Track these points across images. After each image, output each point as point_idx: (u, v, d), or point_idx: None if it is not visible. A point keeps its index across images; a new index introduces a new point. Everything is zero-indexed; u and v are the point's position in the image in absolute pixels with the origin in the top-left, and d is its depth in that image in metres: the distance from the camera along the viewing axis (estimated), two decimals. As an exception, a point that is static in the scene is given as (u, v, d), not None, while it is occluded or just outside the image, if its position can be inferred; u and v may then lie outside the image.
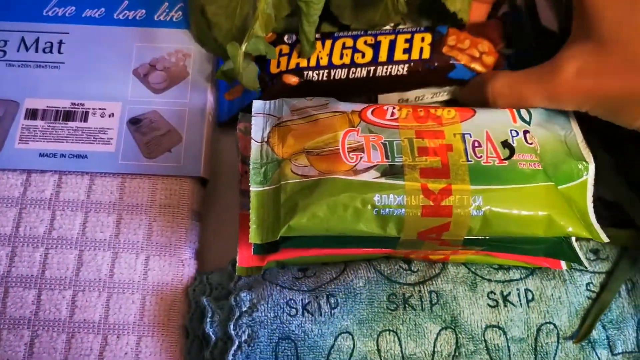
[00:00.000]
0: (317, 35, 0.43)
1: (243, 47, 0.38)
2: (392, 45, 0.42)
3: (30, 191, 0.41)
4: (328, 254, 0.38)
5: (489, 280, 0.39)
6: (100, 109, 0.43)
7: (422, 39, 0.43)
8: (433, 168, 0.35)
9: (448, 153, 0.35)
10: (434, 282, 0.39)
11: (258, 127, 0.37)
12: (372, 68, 0.42)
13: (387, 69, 0.42)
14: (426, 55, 0.42)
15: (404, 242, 0.35)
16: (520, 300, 0.39)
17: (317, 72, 0.42)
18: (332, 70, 0.42)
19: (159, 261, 0.40)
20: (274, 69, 0.42)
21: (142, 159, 0.42)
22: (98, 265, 0.40)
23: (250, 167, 0.36)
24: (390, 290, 0.38)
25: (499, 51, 0.43)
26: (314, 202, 0.34)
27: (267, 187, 0.35)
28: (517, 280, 0.39)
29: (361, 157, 0.35)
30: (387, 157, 0.35)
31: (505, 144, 0.36)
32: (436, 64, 0.42)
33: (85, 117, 0.43)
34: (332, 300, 0.37)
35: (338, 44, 0.43)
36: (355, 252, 0.38)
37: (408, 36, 0.43)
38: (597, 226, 0.36)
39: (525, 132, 0.37)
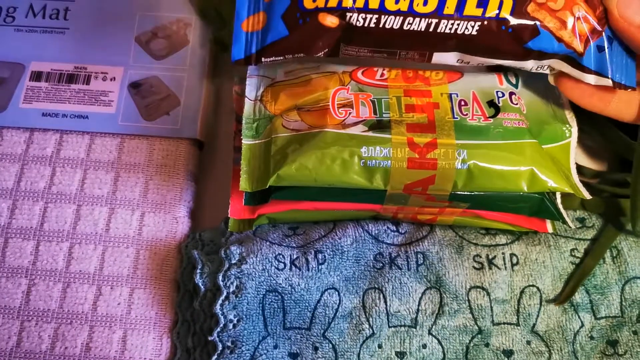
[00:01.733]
0: None
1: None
2: None
3: (33, 148, 0.42)
4: (318, 209, 0.39)
5: (476, 244, 0.40)
6: (102, 72, 0.44)
7: None
8: (419, 123, 0.36)
9: (435, 110, 0.36)
10: (420, 243, 0.39)
11: (252, 87, 0.39)
12: (435, 21, 0.33)
13: (452, 24, 0.33)
14: (506, 11, 0.33)
15: (390, 196, 0.36)
16: (505, 264, 0.39)
17: (363, 15, 0.33)
18: (382, 17, 0.33)
19: (154, 218, 0.41)
20: (308, 3, 0.33)
21: (141, 121, 0.43)
22: (95, 219, 0.41)
23: (243, 122, 0.37)
24: (376, 250, 0.39)
25: (598, 16, 0.34)
26: (303, 153, 0.35)
27: (259, 141, 0.36)
28: (503, 245, 0.40)
29: (350, 113, 0.36)
30: (375, 113, 0.36)
31: (491, 103, 0.37)
32: (516, 26, 0.33)
33: (87, 80, 0.44)
34: (319, 256, 0.38)
35: None
36: (345, 207, 0.38)
37: None
38: (579, 184, 0.37)
39: (511, 93, 0.38)
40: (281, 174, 0.34)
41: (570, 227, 0.39)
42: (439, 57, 0.35)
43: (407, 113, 0.36)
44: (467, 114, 0.36)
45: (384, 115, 0.36)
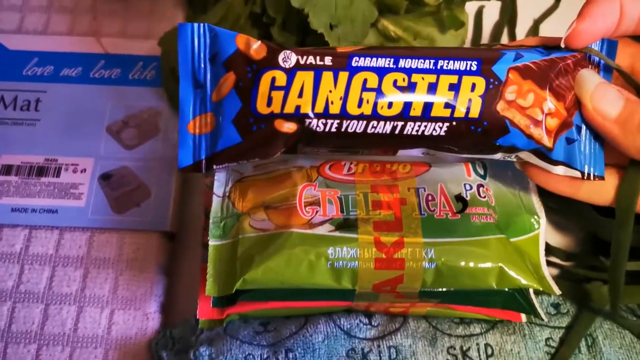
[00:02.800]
0: (328, 61, 0.31)
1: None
2: (431, 92, 0.31)
3: (1, 245, 0.42)
4: (288, 307, 0.38)
5: (449, 335, 0.39)
6: (73, 164, 0.44)
7: (473, 86, 0.31)
8: (386, 221, 0.35)
9: (402, 207, 0.36)
10: (393, 336, 0.39)
11: (220, 182, 0.38)
12: (400, 124, 0.31)
13: (419, 126, 0.32)
14: (475, 113, 0.31)
15: (360, 295, 0.36)
16: (480, 356, 0.39)
17: (323, 120, 0.31)
18: (344, 121, 0.31)
19: (124, 315, 0.40)
20: (262, 108, 0.31)
21: (111, 214, 0.43)
22: (63, 319, 0.40)
23: (210, 221, 0.37)
24: (349, 345, 0.39)
25: (567, 108, 0.33)
26: (269, 256, 0.34)
27: (226, 241, 0.36)
28: (477, 334, 0.39)
29: (317, 211, 0.36)
30: (342, 211, 0.36)
31: (459, 197, 0.37)
32: (485, 125, 0.32)
33: (58, 172, 0.44)
34: (290, 355, 0.38)
35: (357, 81, 0.31)
36: (316, 304, 0.38)
37: (454, 79, 0.31)
38: (549, 279, 0.36)
39: (479, 185, 0.38)
40: (247, 279, 0.34)
41: (543, 319, 0.38)
42: (404, 153, 0.34)
43: (374, 210, 0.36)
44: (434, 210, 0.36)
45: (351, 213, 0.36)
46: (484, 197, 0.37)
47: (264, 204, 0.37)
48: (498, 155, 0.34)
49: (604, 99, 0.32)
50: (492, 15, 0.53)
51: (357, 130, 0.32)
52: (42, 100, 0.46)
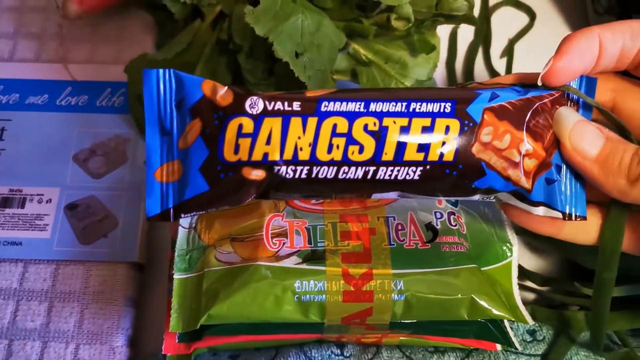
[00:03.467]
0: (297, 106, 0.30)
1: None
2: (403, 135, 0.30)
3: (-36, 279, 0.41)
4: (257, 340, 0.37)
5: (424, 364, 0.38)
6: (38, 194, 0.43)
7: (447, 129, 0.30)
8: (355, 252, 0.35)
9: (371, 237, 0.35)
10: (367, 367, 0.38)
11: (186, 213, 0.38)
12: (372, 169, 0.30)
13: (392, 171, 0.30)
14: (449, 156, 0.30)
15: (329, 327, 0.35)
16: (455, 384, 0.38)
17: (293, 167, 0.30)
18: (314, 168, 0.30)
19: (90, 350, 0.39)
20: (229, 155, 0.30)
21: (77, 245, 0.42)
22: (27, 355, 0.39)
23: (175, 254, 0.36)
24: (321, 377, 0.38)
25: (546, 148, 0.31)
26: (235, 290, 0.33)
27: (191, 275, 0.35)
28: (452, 363, 0.38)
29: (284, 243, 0.35)
30: (309, 242, 0.35)
31: (429, 226, 0.36)
32: (460, 168, 0.30)
33: (22, 203, 0.43)
34: (261, 388, 0.37)
35: (326, 127, 0.30)
36: (284, 337, 0.37)
37: (427, 122, 0.30)
38: (522, 308, 0.36)
39: (450, 213, 0.37)
40: (212, 314, 0.33)
41: (517, 349, 0.38)
42: (378, 196, 0.32)
43: (342, 241, 0.35)
44: (404, 240, 0.35)
45: (318, 244, 0.35)
46: (455, 225, 0.37)
47: (231, 235, 0.36)
48: (476, 197, 0.32)
49: (583, 137, 0.31)
50: (466, 35, 0.53)
51: (328, 176, 0.30)
52: (7, 129, 0.45)
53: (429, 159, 0.30)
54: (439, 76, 0.48)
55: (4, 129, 0.45)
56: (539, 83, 0.32)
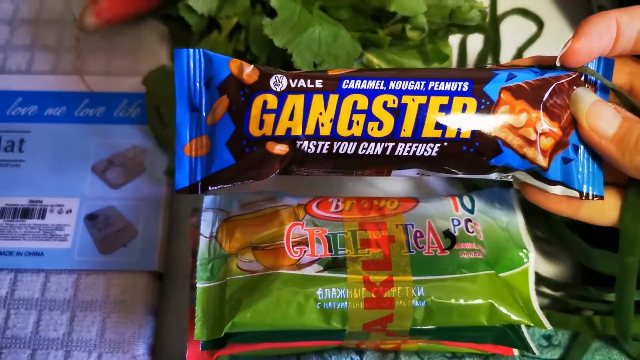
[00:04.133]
0: (319, 84, 0.31)
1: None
2: (421, 114, 0.31)
3: (-14, 290, 0.42)
4: (278, 348, 0.38)
5: (442, 369, 0.39)
6: (58, 205, 0.44)
7: (464, 107, 0.31)
8: (375, 260, 0.35)
9: (390, 244, 0.36)
10: (386, 373, 0.39)
11: (207, 222, 0.38)
12: (391, 145, 0.31)
13: (410, 147, 0.31)
14: (466, 133, 0.31)
15: (350, 334, 0.35)
16: (473, 389, 0.38)
17: (315, 142, 0.31)
18: (335, 143, 0.31)
19: (112, 358, 0.40)
20: (254, 130, 0.31)
21: (97, 255, 0.42)
22: (50, 364, 0.40)
23: (198, 263, 0.36)
24: (341, 383, 0.38)
25: (563, 127, 0.32)
26: (258, 299, 0.34)
27: (213, 283, 0.36)
28: (470, 368, 0.39)
29: (305, 251, 0.36)
30: (330, 250, 0.36)
31: (447, 233, 0.37)
32: (477, 146, 0.31)
33: (42, 214, 0.43)
34: (282, 395, 0.37)
35: (347, 104, 0.31)
36: (307, 344, 0.38)
37: (445, 100, 0.31)
38: (540, 313, 0.36)
39: (467, 220, 0.38)
40: (236, 322, 0.34)
41: (535, 354, 0.38)
42: (398, 173, 0.34)
43: (362, 249, 0.36)
44: (422, 247, 0.36)
45: (339, 252, 0.36)
46: (472, 232, 0.37)
47: (252, 244, 0.37)
48: (493, 175, 0.34)
49: (600, 117, 0.31)
50: (476, 44, 0.53)
51: (348, 152, 0.32)
52: (26, 141, 0.46)
53: (447, 135, 0.31)
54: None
55: (23, 140, 0.46)
56: (557, 64, 0.33)
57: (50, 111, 0.47)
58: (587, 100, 0.32)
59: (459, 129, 0.31)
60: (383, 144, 0.31)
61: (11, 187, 0.44)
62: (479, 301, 0.34)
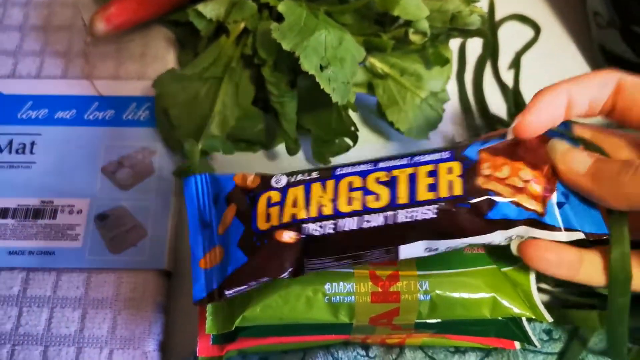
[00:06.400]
0: (315, 175, 0.34)
1: (199, 145, 0.41)
2: (412, 181, 0.33)
3: (-1, 288, 0.42)
4: (286, 342, 0.39)
5: (446, 364, 0.40)
6: (68, 205, 0.45)
7: (450, 170, 0.33)
8: (381, 256, 0.36)
9: (395, 241, 0.37)
10: (391, 367, 0.40)
11: (217, 220, 0.39)
12: (391, 214, 0.33)
13: (409, 212, 0.33)
14: (458, 190, 0.33)
15: (357, 328, 0.36)
16: (476, 383, 0.39)
17: (319, 224, 0.33)
18: (339, 221, 0.33)
19: (123, 355, 0.41)
20: (262, 224, 0.33)
21: (107, 254, 0.43)
22: (62, 360, 0.40)
23: (209, 259, 0.37)
24: (348, 377, 0.39)
25: (546, 175, 0.34)
26: (267, 293, 0.35)
27: (224, 279, 0.37)
28: (473, 362, 0.40)
29: (313, 248, 0.37)
30: (337, 247, 0.37)
31: (450, 230, 0.38)
32: (472, 202, 0.32)
33: (54, 214, 0.44)
34: (291, 388, 0.38)
35: (343, 184, 0.34)
36: (313, 339, 0.39)
37: (431, 167, 0.33)
38: (541, 307, 0.37)
39: (469, 218, 0.39)
40: (246, 316, 0.35)
41: (536, 346, 0.39)
42: (406, 251, 0.33)
43: (368, 246, 0.37)
44: (427, 243, 0.37)
45: (346, 248, 0.37)
46: (475, 228, 0.38)
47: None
48: (497, 236, 0.33)
49: (574, 159, 0.33)
50: (475, 49, 0.55)
51: (353, 227, 0.33)
52: (37, 143, 0.47)
53: (440, 195, 0.33)
54: (450, 89, 0.50)
55: (34, 143, 0.47)
56: (509, 136, 0.35)
57: (60, 114, 0.48)
58: (561, 147, 0.34)
59: (450, 189, 0.33)
60: (383, 213, 0.33)
61: (23, 188, 0.45)
62: (482, 295, 0.36)
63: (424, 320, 0.36)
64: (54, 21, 0.52)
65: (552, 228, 0.33)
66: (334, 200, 0.33)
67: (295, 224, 0.33)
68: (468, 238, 0.33)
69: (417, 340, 0.40)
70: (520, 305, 0.36)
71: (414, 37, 0.43)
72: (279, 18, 0.41)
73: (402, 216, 0.33)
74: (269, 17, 0.45)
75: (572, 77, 0.35)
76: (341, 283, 0.35)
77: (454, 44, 0.54)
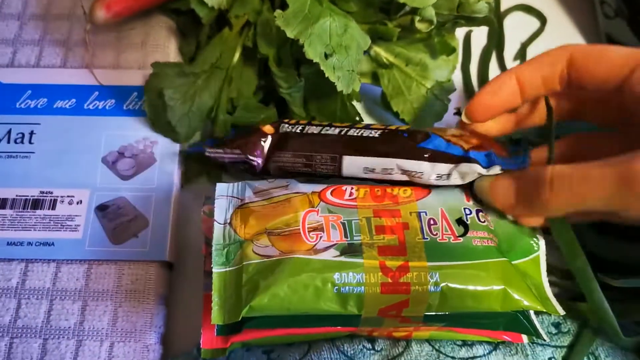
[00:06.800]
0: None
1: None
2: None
3: (-3, 280, 0.41)
4: (292, 334, 0.38)
5: (453, 358, 0.39)
6: (68, 196, 0.44)
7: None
8: (390, 246, 0.36)
9: (405, 231, 0.36)
10: (398, 360, 0.39)
11: (221, 209, 0.38)
12: (346, 129, 0.40)
13: (359, 131, 0.40)
14: (404, 128, 0.40)
15: (365, 320, 0.36)
16: (484, 376, 0.39)
17: (293, 126, 0.42)
18: (307, 127, 0.41)
19: (124, 348, 0.40)
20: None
21: (108, 245, 0.42)
22: (62, 354, 0.39)
23: (213, 248, 0.37)
24: (354, 370, 0.38)
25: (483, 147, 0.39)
26: (275, 282, 0.34)
27: (229, 268, 0.36)
28: (480, 356, 0.39)
29: (321, 237, 0.36)
30: (346, 236, 0.36)
31: (460, 221, 0.37)
32: (410, 131, 0.40)
33: (53, 204, 0.43)
34: (296, 381, 0.37)
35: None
36: (320, 331, 0.38)
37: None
38: (553, 300, 0.37)
39: (478, 211, 0.38)
40: (253, 306, 0.34)
41: (545, 340, 0.38)
42: (348, 164, 0.39)
43: (377, 235, 0.36)
44: (437, 234, 0.36)
45: (354, 238, 0.36)
46: (484, 221, 0.38)
47: (267, 230, 0.37)
48: (426, 166, 0.38)
49: (498, 195, 0.37)
50: (480, 39, 0.54)
51: (314, 132, 0.41)
52: (36, 133, 0.46)
53: (389, 128, 0.40)
54: (455, 79, 0.50)
55: (33, 132, 0.46)
56: (463, 119, 0.39)
57: (59, 104, 0.47)
58: (484, 187, 0.38)
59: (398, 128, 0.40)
60: (340, 128, 0.40)
61: (21, 179, 0.44)
62: (493, 287, 0.35)
63: (433, 313, 0.35)
64: (54, 9, 0.51)
65: (474, 161, 0.37)
66: (310, 124, 0.42)
67: (277, 122, 0.42)
68: (400, 160, 0.38)
69: (424, 334, 0.39)
70: (531, 298, 0.35)
71: (420, 25, 0.42)
72: (283, 7, 0.40)
73: (353, 131, 0.40)
74: (270, 9, 0.44)
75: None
76: (350, 273, 0.34)
77: (459, 32, 0.54)
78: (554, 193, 0.34)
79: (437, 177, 0.38)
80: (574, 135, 0.41)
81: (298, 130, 0.41)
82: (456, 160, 0.38)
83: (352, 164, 0.39)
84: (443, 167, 0.38)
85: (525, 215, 0.38)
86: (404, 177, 0.39)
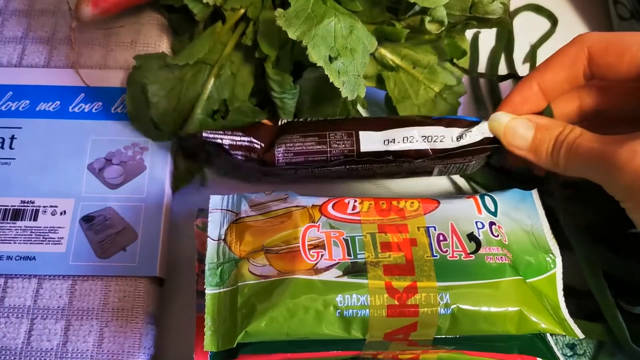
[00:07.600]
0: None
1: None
2: None
3: (-27, 296, 0.39)
4: (292, 359, 0.35)
5: (463, 381, 0.37)
6: (51, 206, 0.41)
7: None
8: (397, 264, 0.33)
9: (412, 248, 0.34)
10: (404, 385, 0.36)
11: (215, 224, 0.36)
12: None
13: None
14: None
15: (370, 344, 0.33)
16: (496, 402, 0.36)
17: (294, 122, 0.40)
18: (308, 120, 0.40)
19: (110, 370, 0.37)
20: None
21: (94, 259, 0.40)
22: (43, 376, 0.37)
23: (206, 267, 0.34)
24: (357, 396, 0.36)
25: None
26: (273, 306, 0.32)
27: (224, 289, 0.33)
28: (492, 379, 0.37)
29: (322, 255, 0.33)
30: (349, 254, 0.34)
31: (471, 236, 0.35)
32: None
33: (35, 215, 0.41)
34: (295, 409, 0.35)
35: None
36: (320, 355, 0.35)
37: None
38: (570, 321, 0.34)
39: (491, 223, 0.36)
40: (249, 331, 0.31)
41: (563, 364, 0.36)
42: (366, 140, 0.38)
43: (383, 252, 0.34)
44: (447, 250, 0.34)
45: (358, 256, 0.33)
46: (497, 235, 0.35)
47: (264, 247, 0.34)
48: (445, 130, 0.38)
49: (515, 135, 0.37)
50: (488, 41, 0.51)
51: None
52: (17, 137, 0.43)
53: None
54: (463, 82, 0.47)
55: (14, 137, 0.43)
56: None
57: (42, 106, 0.44)
58: (502, 120, 0.37)
59: None
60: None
61: (1, 187, 0.41)
62: (507, 309, 0.33)
63: (443, 336, 0.33)
64: (37, 5, 0.48)
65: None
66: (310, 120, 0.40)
67: (275, 119, 0.40)
68: (420, 127, 0.38)
69: (433, 356, 0.37)
70: (548, 320, 0.33)
71: (430, 26, 0.40)
72: (284, 5, 0.37)
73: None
74: (271, 6, 0.41)
75: (541, 64, 0.38)
76: (354, 295, 0.32)
77: (467, 34, 0.51)
78: (569, 160, 0.35)
79: (459, 136, 0.38)
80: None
81: (301, 120, 0.40)
82: (471, 123, 0.38)
83: (370, 138, 0.38)
84: (461, 129, 0.38)
85: (530, 163, 0.38)
86: (425, 145, 0.38)
